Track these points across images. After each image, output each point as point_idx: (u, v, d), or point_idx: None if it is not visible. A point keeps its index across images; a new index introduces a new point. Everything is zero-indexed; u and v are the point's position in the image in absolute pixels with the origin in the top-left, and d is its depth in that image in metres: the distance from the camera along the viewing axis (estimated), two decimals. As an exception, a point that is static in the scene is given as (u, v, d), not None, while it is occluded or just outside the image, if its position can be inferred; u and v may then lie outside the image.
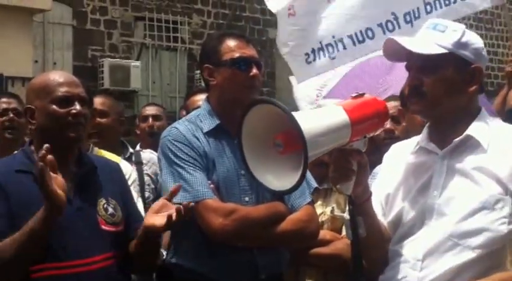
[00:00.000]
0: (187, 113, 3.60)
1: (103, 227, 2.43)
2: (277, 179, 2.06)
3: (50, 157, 2.11)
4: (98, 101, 3.68)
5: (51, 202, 2.13)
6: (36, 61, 10.93)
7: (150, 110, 4.87)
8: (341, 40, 4.48)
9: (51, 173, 2.13)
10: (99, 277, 2.37)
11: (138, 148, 4.37)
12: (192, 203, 2.28)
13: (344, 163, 2.16)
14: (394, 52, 2.26)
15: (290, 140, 1.98)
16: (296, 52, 4.63)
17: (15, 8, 9.46)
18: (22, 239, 2.18)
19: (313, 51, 4.57)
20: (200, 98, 3.64)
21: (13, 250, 2.18)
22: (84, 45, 11.80)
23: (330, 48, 4.51)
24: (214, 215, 2.52)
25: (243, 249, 2.61)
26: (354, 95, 2.21)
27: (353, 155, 2.16)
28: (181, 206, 2.21)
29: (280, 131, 2.01)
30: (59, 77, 2.47)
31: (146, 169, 3.64)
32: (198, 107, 3.03)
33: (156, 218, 2.29)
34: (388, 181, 2.38)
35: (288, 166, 2.02)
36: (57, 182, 2.15)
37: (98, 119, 3.66)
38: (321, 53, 4.55)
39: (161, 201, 2.36)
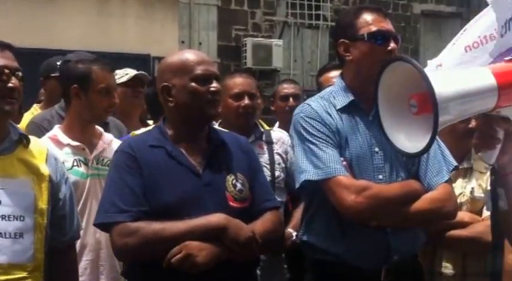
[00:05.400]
0: (320, 90, 3.55)
1: (231, 203, 2.44)
2: (409, 140, 2.01)
3: None
4: None
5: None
6: (182, 42, 11.28)
7: (290, 89, 4.81)
8: None
9: None
10: None
11: (276, 126, 4.37)
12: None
13: (489, 130, 2.03)
14: None
15: (425, 102, 1.89)
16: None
17: (163, -11, 9.86)
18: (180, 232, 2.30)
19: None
20: (334, 75, 3.58)
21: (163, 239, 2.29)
22: (229, 25, 12.03)
23: None
24: (346, 192, 2.46)
25: (376, 229, 2.54)
26: (508, 58, 2.02)
27: (499, 122, 2.02)
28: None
29: (416, 92, 1.93)
30: (195, 56, 2.50)
31: (276, 148, 3.63)
32: (332, 84, 2.98)
33: None
34: None
35: (421, 128, 1.93)
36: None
37: None
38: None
39: None
